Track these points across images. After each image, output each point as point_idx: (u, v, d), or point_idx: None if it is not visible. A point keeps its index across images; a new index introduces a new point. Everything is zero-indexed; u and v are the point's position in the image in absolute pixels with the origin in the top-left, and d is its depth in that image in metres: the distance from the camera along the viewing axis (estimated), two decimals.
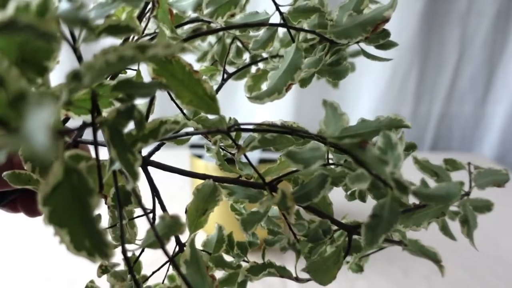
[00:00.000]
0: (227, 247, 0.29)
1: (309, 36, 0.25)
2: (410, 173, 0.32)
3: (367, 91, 1.16)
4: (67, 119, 0.27)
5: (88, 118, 0.22)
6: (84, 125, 0.16)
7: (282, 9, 0.27)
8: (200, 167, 0.65)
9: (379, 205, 0.18)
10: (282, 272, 0.26)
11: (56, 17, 0.14)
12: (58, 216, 0.14)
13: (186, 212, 0.25)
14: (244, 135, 0.28)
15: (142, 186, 0.22)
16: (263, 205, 0.20)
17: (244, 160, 0.25)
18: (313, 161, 0.18)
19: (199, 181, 0.25)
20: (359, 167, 0.17)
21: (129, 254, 0.19)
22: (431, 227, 0.39)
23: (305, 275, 0.24)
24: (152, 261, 0.29)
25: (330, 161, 0.23)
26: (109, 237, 0.17)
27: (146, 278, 0.29)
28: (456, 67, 1.14)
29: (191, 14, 0.23)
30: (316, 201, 0.20)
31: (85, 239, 0.14)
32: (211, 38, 0.36)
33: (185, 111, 0.28)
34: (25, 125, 0.08)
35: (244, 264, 0.28)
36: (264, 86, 0.32)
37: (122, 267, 0.29)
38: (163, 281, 0.30)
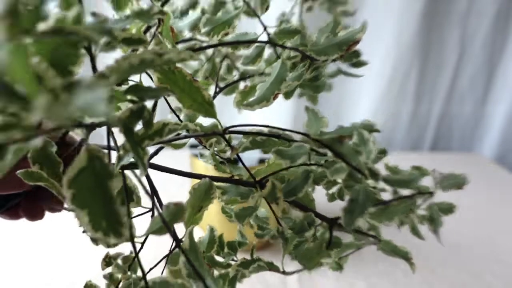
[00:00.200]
0: (218, 248, 0.32)
1: (292, 54, 0.28)
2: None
3: (367, 91, 1.18)
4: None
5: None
6: (101, 123, 0.19)
7: (269, 31, 0.30)
8: (199, 166, 0.68)
9: (355, 191, 0.21)
10: (270, 266, 0.29)
11: (87, 27, 0.17)
12: (80, 198, 0.17)
13: None
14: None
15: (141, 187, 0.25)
16: (255, 198, 0.23)
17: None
18: (298, 157, 0.21)
19: (198, 181, 0.28)
20: (338, 159, 0.20)
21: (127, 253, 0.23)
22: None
23: (292, 268, 0.27)
24: (151, 259, 0.31)
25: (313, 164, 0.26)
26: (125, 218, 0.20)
27: (148, 271, 0.32)
28: (456, 67, 1.17)
29: (187, 34, 0.27)
30: (300, 196, 0.24)
31: (102, 220, 0.17)
32: (201, 56, 0.40)
33: (182, 117, 0.31)
34: (88, 96, 0.11)
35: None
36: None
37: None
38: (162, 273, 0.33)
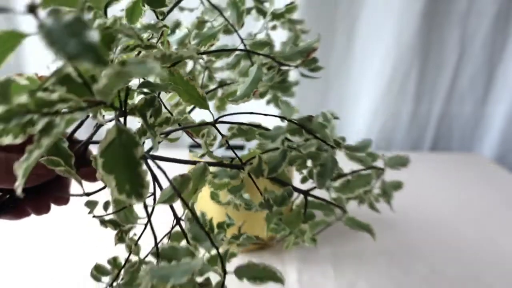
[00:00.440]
0: (209, 230, 0.37)
1: (264, 61, 0.36)
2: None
3: (367, 91, 1.23)
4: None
5: (110, 116, 0.33)
6: (121, 111, 0.25)
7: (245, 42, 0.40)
8: None
9: (324, 158, 0.29)
10: (256, 240, 0.36)
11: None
12: (109, 165, 0.22)
13: None
14: None
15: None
16: (244, 173, 0.30)
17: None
18: (277, 136, 0.29)
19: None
20: (308, 135, 0.28)
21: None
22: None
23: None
24: (151, 244, 0.36)
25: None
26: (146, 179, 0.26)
27: (160, 239, 0.38)
28: (456, 67, 1.20)
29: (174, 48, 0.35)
30: (280, 172, 0.31)
31: (126, 184, 0.23)
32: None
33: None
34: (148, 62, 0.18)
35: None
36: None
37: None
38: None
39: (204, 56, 0.48)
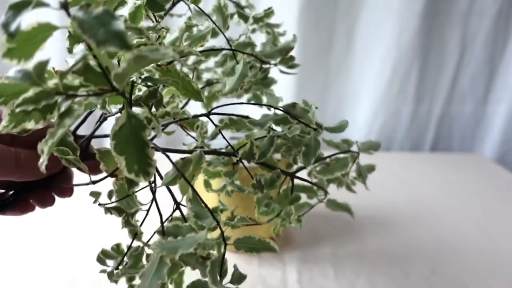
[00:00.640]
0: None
1: (247, 60, 0.44)
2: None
3: (367, 91, 1.26)
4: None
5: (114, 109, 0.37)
6: (128, 103, 0.30)
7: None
8: None
9: (308, 139, 0.35)
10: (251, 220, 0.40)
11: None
12: (120, 147, 0.26)
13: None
14: None
15: None
16: (239, 155, 0.35)
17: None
18: (265, 124, 0.34)
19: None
20: (293, 120, 0.32)
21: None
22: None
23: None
24: (153, 229, 0.38)
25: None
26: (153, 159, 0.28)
27: (162, 222, 0.42)
28: (457, 67, 1.23)
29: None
30: (268, 157, 0.35)
31: (135, 164, 0.26)
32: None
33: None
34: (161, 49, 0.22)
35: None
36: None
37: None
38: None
39: (192, 58, 0.55)
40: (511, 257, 0.75)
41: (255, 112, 0.45)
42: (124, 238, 0.45)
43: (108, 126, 0.28)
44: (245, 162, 0.40)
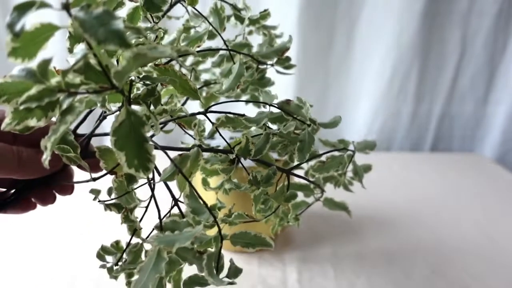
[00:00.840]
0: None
1: (244, 61, 0.45)
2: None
3: (367, 91, 1.27)
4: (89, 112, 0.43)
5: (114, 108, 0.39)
6: (127, 101, 0.31)
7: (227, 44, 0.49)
8: None
9: (303, 134, 0.36)
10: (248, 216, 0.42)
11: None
12: (120, 143, 0.27)
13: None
14: None
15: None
16: (235, 152, 0.36)
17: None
18: (261, 121, 0.35)
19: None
20: (287, 116, 0.33)
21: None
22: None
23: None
24: (151, 226, 0.39)
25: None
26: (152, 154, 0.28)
27: (161, 218, 0.44)
28: (457, 67, 1.25)
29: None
30: (264, 154, 0.36)
31: (135, 159, 0.27)
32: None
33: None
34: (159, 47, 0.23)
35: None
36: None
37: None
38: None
39: (190, 59, 0.57)
40: (511, 257, 0.75)
41: (252, 113, 0.46)
42: (123, 236, 0.46)
43: (107, 125, 0.29)
44: (243, 161, 0.41)
